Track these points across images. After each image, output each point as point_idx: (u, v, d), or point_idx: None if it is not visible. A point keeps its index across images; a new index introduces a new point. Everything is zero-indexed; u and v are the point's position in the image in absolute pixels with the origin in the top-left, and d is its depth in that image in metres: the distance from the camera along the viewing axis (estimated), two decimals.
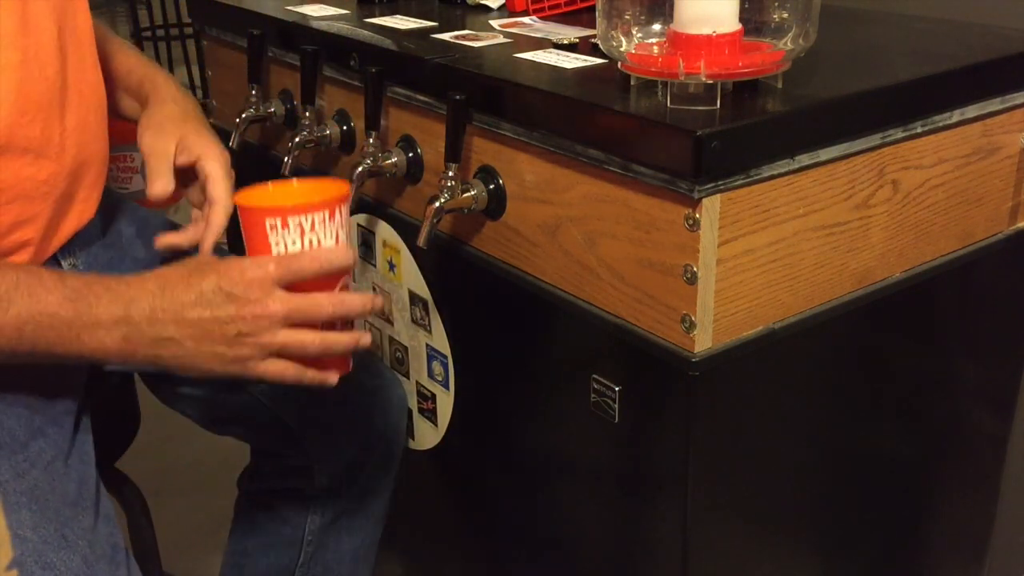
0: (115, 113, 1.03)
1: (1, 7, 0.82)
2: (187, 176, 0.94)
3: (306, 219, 0.81)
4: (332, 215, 0.82)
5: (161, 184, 0.89)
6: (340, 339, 0.82)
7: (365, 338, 0.84)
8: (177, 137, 0.93)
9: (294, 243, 0.81)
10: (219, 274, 0.79)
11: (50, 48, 0.87)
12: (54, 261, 0.92)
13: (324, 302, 0.80)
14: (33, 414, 0.85)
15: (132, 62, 1.03)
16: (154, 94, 0.99)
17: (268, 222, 0.80)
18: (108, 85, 0.98)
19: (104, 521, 0.86)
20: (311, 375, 0.82)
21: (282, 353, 0.80)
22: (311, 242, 0.81)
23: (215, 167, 0.92)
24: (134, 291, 0.79)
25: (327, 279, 0.82)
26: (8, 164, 0.83)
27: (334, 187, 0.86)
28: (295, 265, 0.79)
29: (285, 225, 0.81)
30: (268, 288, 0.78)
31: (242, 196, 0.84)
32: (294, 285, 0.80)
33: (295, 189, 0.89)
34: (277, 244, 0.81)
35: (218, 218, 0.91)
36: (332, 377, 0.84)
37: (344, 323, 0.84)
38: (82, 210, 0.93)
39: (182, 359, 0.79)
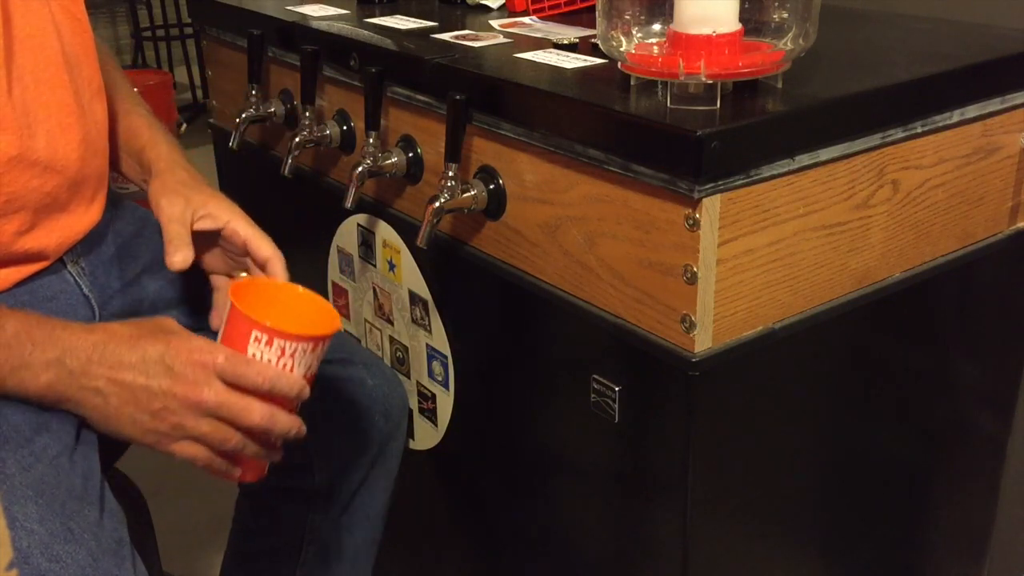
0: (115, 169, 1.04)
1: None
2: (200, 241, 0.94)
3: (290, 345, 0.81)
4: (315, 348, 0.83)
5: (183, 255, 0.89)
6: (257, 446, 0.83)
7: (276, 455, 0.86)
8: (194, 203, 0.93)
9: (269, 361, 0.81)
10: (167, 345, 0.80)
11: (58, 68, 0.89)
12: (60, 263, 0.93)
13: (255, 409, 0.80)
14: (38, 409, 0.86)
15: (137, 124, 1.04)
16: (159, 161, 0.99)
17: (254, 334, 0.81)
18: (111, 141, 0.99)
19: (109, 516, 0.86)
20: (218, 466, 0.83)
21: (199, 440, 0.81)
22: (284, 365, 0.82)
23: (250, 229, 0.93)
24: (78, 339, 0.80)
25: (276, 400, 0.82)
26: (18, 176, 0.85)
27: (328, 320, 0.86)
28: (241, 370, 0.80)
29: (269, 344, 0.81)
30: (208, 375, 0.79)
31: (238, 292, 0.84)
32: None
33: (293, 300, 0.89)
34: (253, 355, 0.81)
35: (281, 271, 0.92)
36: (238, 474, 0.85)
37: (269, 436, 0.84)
38: (86, 217, 0.95)
39: (103, 414, 0.81)
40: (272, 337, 0.80)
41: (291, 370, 0.82)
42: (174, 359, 0.79)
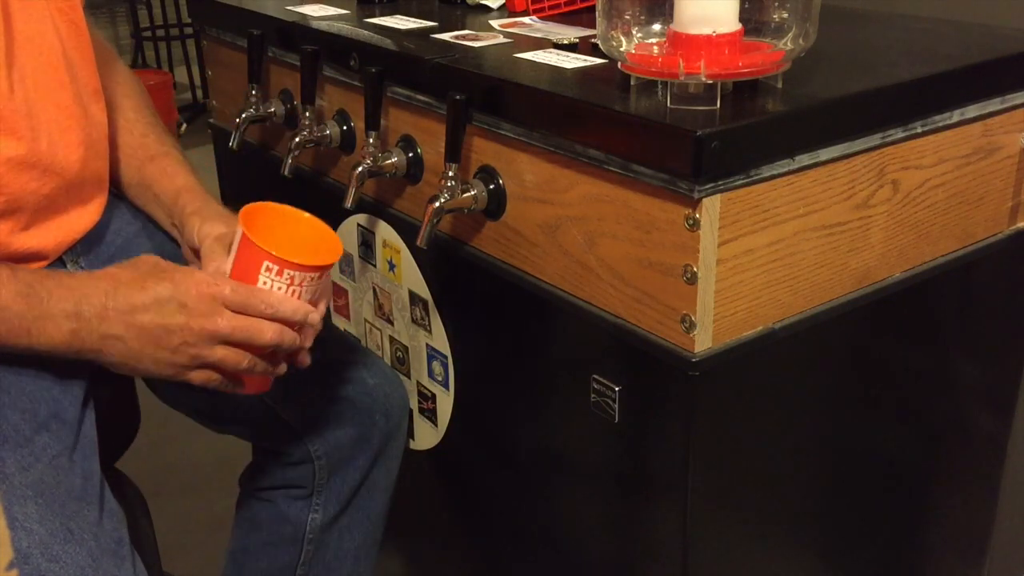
0: (134, 202, 1.06)
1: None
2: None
3: (299, 275, 0.87)
4: (321, 276, 0.89)
5: (216, 264, 0.91)
6: (265, 364, 0.89)
7: (282, 369, 0.91)
8: (233, 226, 0.95)
9: (279, 288, 0.87)
10: (175, 283, 0.84)
11: (59, 70, 0.90)
12: (59, 263, 0.93)
13: (266, 329, 0.85)
14: (37, 409, 0.86)
15: (172, 166, 1.05)
16: (195, 201, 1.01)
17: (265, 264, 0.85)
18: (139, 177, 1.04)
19: (109, 516, 0.86)
20: (228, 386, 0.89)
21: (215, 366, 0.86)
22: (293, 292, 0.87)
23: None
24: (87, 288, 0.82)
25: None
26: (18, 178, 0.85)
27: (333, 248, 0.91)
28: (247, 300, 0.85)
29: (280, 273, 0.86)
30: (218, 306, 0.84)
31: (249, 220, 0.88)
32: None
33: (299, 227, 0.93)
34: (264, 283, 0.86)
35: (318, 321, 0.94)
36: (244, 389, 0.91)
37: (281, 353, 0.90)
38: (85, 218, 0.95)
39: (124, 357, 0.84)
40: (282, 268, 0.85)
41: (298, 297, 0.87)
42: (185, 295, 0.83)
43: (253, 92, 1.24)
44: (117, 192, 1.06)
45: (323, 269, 0.88)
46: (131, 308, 0.82)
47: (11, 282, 0.80)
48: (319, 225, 0.94)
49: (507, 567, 1.18)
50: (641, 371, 0.88)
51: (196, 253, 0.97)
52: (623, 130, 0.81)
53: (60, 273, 0.84)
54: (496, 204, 0.97)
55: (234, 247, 0.88)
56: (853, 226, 0.89)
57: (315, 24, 1.18)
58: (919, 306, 1.00)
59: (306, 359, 0.92)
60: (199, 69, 4.42)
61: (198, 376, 0.86)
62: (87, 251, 0.97)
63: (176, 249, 1.06)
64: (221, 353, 0.85)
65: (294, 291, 0.87)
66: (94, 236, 0.98)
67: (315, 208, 1.03)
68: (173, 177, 1.03)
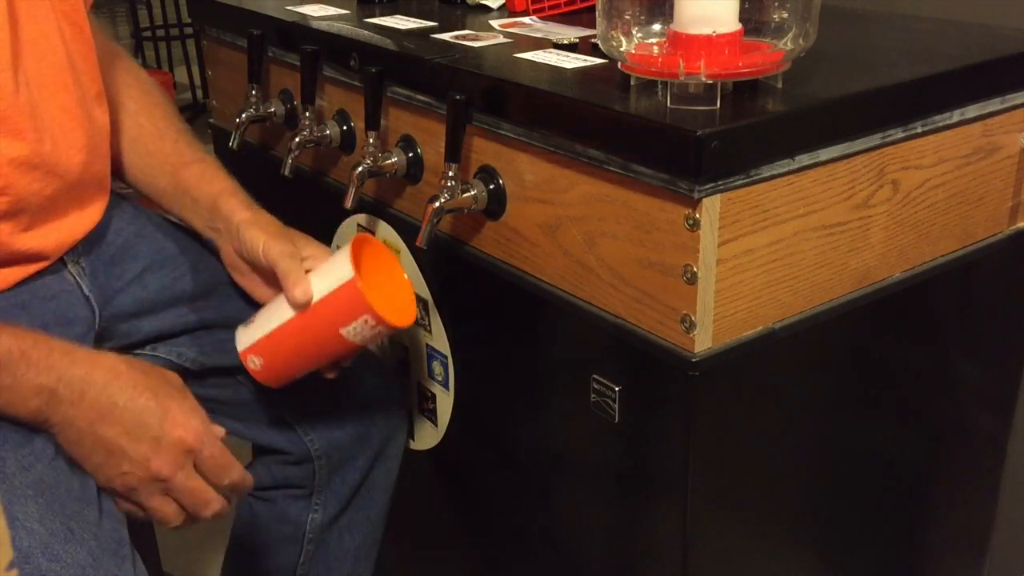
0: (168, 208, 1.07)
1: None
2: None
3: (385, 330, 0.91)
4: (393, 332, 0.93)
5: (303, 288, 0.91)
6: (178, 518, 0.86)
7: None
8: (299, 244, 0.96)
9: (364, 338, 0.90)
10: (165, 414, 0.81)
11: (63, 72, 0.90)
12: (60, 263, 0.93)
13: (213, 503, 0.84)
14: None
15: (210, 171, 1.05)
16: (242, 208, 1.00)
17: (365, 317, 0.88)
18: (172, 184, 1.04)
19: (109, 516, 0.86)
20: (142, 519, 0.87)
21: (141, 506, 0.84)
22: (366, 340, 0.91)
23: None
24: (75, 371, 0.80)
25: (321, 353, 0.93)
26: (21, 179, 0.85)
27: (409, 308, 0.97)
28: (221, 471, 0.84)
29: (373, 328, 0.89)
30: (187, 461, 0.82)
31: (364, 262, 0.92)
32: (306, 334, 0.90)
33: (391, 276, 0.97)
34: (350, 329, 0.89)
35: None
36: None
37: None
38: (86, 220, 0.95)
39: (73, 448, 0.82)
40: (378, 323, 0.89)
41: (371, 338, 0.91)
42: (168, 433, 0.81)
43: (253, 92, 1.24)
44: (121, 193, 1.06)
45: (402, 328, 0.93)
46: (109, 410, 0.80)
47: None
48: (406, 284, 0.97)
49: (507, 567, 1.18)
50: (641, 371, 0.88)
51: (247, 262, 0.98)
52: (623, 130, 0.81)
53: (53, 344, 0.81)
54: (496, 204, 0.97)
55: (330, 283, 0.89)
56: (853, 226, 0.89)
57: (315, 24, 1.18)
58: (919, 306, 1.00)
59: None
60: (199, 69, 4.42)
61: (124, 506, 0.85)
62: (87, 251, 0.97)
63: (175, 251, 1.06)
64: (157, 503, 0.83)
65: (372, 338, 0.91)
66: (95, 236, 0.98)
67: (315, 208, 1.04)
68: (211, 181, 1.02)
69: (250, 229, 0.96)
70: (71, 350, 0.82)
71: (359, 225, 1.20)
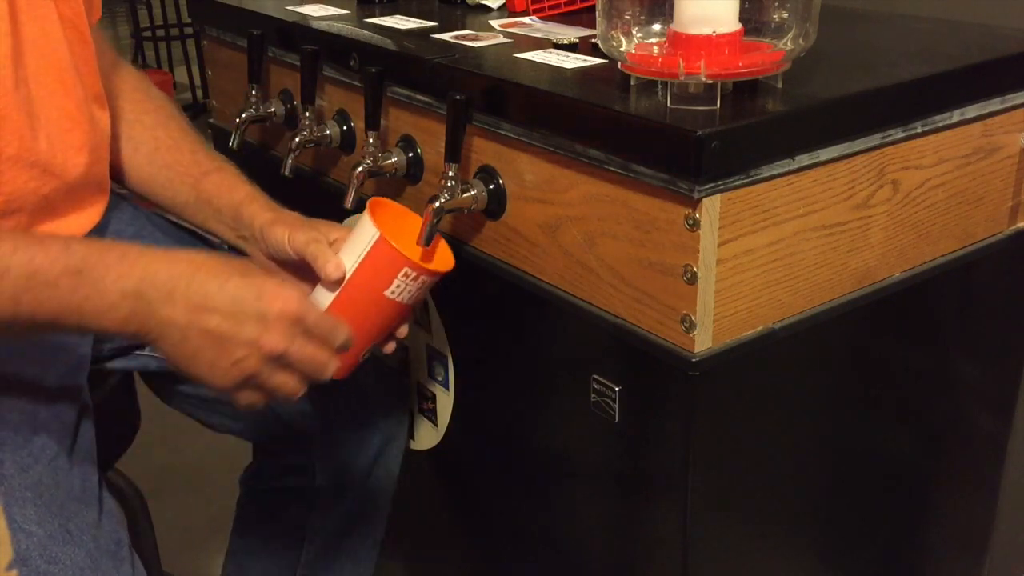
0: (190, 219, 1.05)
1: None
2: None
3: (429, 279, 0.90)
4: (440, 278, 0.92)
5: (334, 262, 0.88)
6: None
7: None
8: (322, 230, 0.95)
9: (410, 294, 0.89)
10: (260, 291, 0.78)
11: (65, 74, 0.89)
12: None
13: (331, 365, 0.82)
14: (36, 410, 0.86)
15: (231, 179, 1.03)
16: (265, 211, 0.99)
17: (405, 269, 0.87)
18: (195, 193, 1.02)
19: (107, 517, 0.86)
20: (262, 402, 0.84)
21: (263, 387, 0.81)
22: (415, 295, 0.90)
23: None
24: (157, 266, 0.76)
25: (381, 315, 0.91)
26: (15, 176, 0.85)
27: (446, 252, 0.95)
28: (331, 331, 0.81)
29: (416, 279, 0.88)
30: (297, 330, 0.78)
31: (385, 223, 0.89)
32: (353, 308, 0.88)
33: (407, 223, 0.95)
34: (396, 287, 0.88)
35: None
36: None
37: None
38: (84, 221, 0.95)
39: (179, 352, 0.78)
40: (419, 274, 0.88)
41: (415, 297, 0.90)
42: (268, 308, 0.77)
43: (253, 92, 1.24)
44: (119, 194, 1.06)
45: (445, 272, 0.91)
46: (203, 300, 0.75)
47: (62, 257, 0.73)
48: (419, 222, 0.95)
49: (507, 567, 1.18)
50: (641, 371, 0.88)
51: (278, 261, 0.97)
52: (623, 130, 0.81)
53: (127, 246, 0.77)
54: (496, 204, 0.97)
55: (360, 248, 0.87)
56: (853, 226, 0.89)
57: (315, 24, 1.18)
58: (919, 306, 1.00)
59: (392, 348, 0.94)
60: (199, 69, 4.42)
61: (246, 397, 0.81)
62: None
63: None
64: (281, 379, 0.80)
65: (418, 294, 0.89)
66: (99, 235, 0.98)
67: (315, 208, 1.03)
68: (232, 190, 1.01)
69: (273, 228, 0.94)
70: (145, 251, 0.78)
71: None
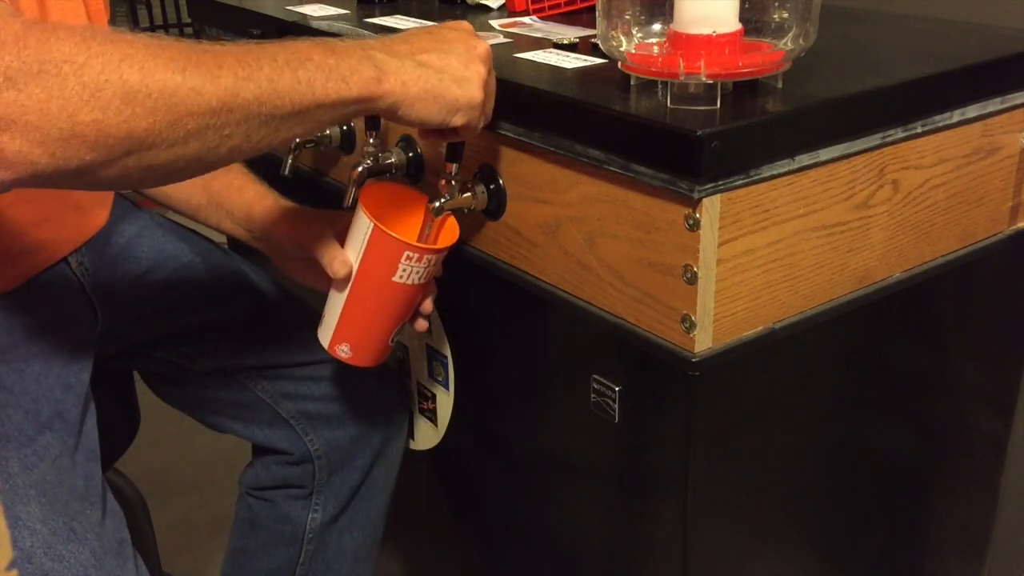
0: (195, 217, 1.07)
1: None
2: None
3: (436, 256, 0.91)
4: (446, 253, 0.93)
5: (340, 260, 0.91)
6: None
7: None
8: (337, 225, 0.96)
9: (419, 274, 0.90)
10: (455, 33, 0.84)
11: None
12: (64, 263, 0.93)
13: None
14: (40, 409, 0.86)
15: (240, 180, 1.05)
16: (275, 208, 1.01)
17: (406, 254, 0.89)
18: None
19: (111, 516, 0.87)
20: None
21: (489, 94, 0.84)
22: (426, 274, 0.91)
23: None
24: (370, 41, 0.80)
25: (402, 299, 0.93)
26: None
27: (451, 226, 0.95)
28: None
29: (420, 260, 0.90)
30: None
31: (380, 209, 0.90)
32: (368, 298, 0.91)
33: (406, 202, 0.97)
34: (403, 271, 0.89)
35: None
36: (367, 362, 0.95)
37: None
38: (96, 218, 0.94)
39: (422, 98, 0.78)
40: (422, 255, 0.89)
41: (426, 271, 0.91)
42: (474, 46, 0.83)
43: None
44: (121, 193, 1.06)
45: (449, 247, 0.92)
46: (423, 47, 0.81)
47: (318, 44, 0.75)
48: (422, 199, 0.96)
49: (507, 567, 1.18)
50: (641, 371, 0.88)
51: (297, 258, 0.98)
52: (623, 130, 0.81)
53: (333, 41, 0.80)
54: (496, 204, 0.97)
55: (359, 242, 0.89)
56: (853, 226, 0.89)
57: (315, 24, 1.18)
58: (919, 306, 1.00)
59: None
60: None
61: (460, 119, 0.81)
62: (89, 252, 0.97)
63: (176, 251, 1.06)
64: (490, 105, 0.84)
65: (430, 270, 0.91)
66: (97, 237, 0.98)
67: (315, 208, 1.03)
68: (240, 191, 1.02)
69: (280, 230, 0.97)
70: (338, 42, 0.79)
71: None
